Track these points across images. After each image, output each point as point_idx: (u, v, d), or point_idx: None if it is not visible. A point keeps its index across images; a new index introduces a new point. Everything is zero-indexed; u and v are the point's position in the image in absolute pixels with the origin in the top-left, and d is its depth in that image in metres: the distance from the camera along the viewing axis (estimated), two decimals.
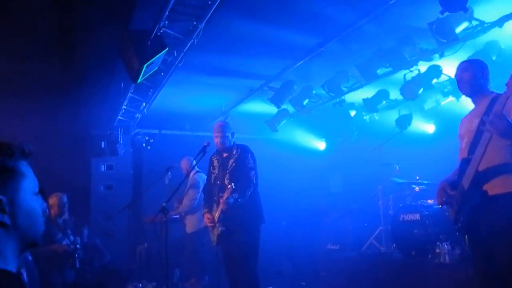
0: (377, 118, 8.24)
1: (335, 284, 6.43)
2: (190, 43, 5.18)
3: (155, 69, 5.02)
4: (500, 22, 4.97)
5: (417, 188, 6.52)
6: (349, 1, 5.14)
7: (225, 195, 4.46)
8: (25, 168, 1.37)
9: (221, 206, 4.56)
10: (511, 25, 4.98)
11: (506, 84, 2.77)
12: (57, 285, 5.22)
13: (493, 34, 5.38)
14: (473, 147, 2.98)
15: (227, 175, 4.74)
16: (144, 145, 9.16)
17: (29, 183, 1.36)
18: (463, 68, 3.28)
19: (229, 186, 4.48)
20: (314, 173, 9.48)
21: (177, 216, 7.32)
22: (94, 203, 8.49)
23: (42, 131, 8.02)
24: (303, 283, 6.98)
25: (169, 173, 6.96)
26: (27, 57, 6.53)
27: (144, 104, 7.55)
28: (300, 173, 9.35)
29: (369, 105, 7.39)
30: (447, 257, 5.12)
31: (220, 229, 4.67)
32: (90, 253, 6.71)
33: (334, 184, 9.63)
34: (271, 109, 7.96)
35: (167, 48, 4.61)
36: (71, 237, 5.95)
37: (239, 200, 4.50)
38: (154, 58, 4.50)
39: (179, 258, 7.26)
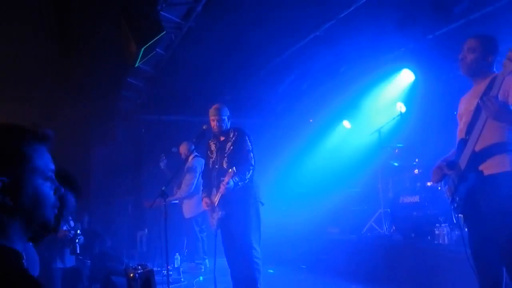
0: None
1: (336, 267, 6.46)
2: (187, 26, 5.17)
3: (152, 52, 5.00)
4: None
5: (416, 171, 6.52)
6: None
7: (226, 179, 4.45)
8: (36, 151, 1.36)
9: (221, 190, 4.55)
10: None
11: (503, 64, 2.74)
12: (57, 270, 5.24)
13: None
14: (470, 127, 2.97)
15: (225, 158, 4.72)
16: (143, 130, 9.15)
17: (37, 167, 1.34)
18: (469, 47, 3.13)
19: (230, 170, 4.45)
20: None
21: (177, 201, 7.35)
22: (94, 190, 8.51)
23: (41, 118, 8.01)
24: (304, 266, 7.02)
25: (164, 157, 6.96)
26: (26, 42, 6.50)
27: (142, 88, 7.53)
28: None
29: None
30: (446, 238, 5.15)
31: (220, 213, 4.67)
32: (90, 239, 6.75)
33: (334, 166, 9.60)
34: None
35: (165, 32, 4.58)
36: (72, 223, 5.97)
37: (240, 183, 4.50)
38: (151, 42, 4.47)
39: (179, 243, 7.31)
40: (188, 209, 7.19)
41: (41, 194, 1.34)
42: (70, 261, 5.40)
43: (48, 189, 1.37)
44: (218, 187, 4.64)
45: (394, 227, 6.40)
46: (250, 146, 4.71)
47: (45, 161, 1.38)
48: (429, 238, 5.49)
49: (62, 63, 7.06)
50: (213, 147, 4.94)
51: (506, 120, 2.82)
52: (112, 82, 7.30)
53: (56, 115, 8.09)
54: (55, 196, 1.39)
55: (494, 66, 3.16)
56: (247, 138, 4.74)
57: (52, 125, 7.59)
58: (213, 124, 4.79)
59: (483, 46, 3.11)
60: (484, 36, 3.16)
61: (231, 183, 4.44)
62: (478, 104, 2.98)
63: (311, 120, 9.63)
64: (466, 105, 3.20)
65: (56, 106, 8.04)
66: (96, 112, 8.66)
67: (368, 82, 7.75)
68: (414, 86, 7.39)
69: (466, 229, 3.18)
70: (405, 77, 7.43)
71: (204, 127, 4.83)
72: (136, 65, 5.01)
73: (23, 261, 1.27)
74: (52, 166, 1.41)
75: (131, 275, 2.75)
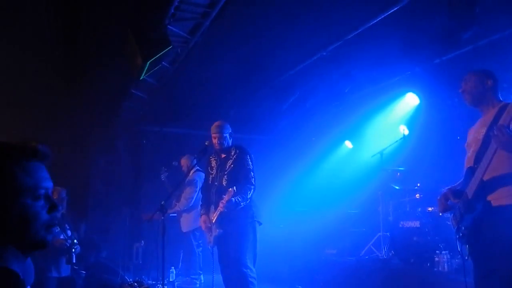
0: None
1: None
2: (194, 41, 5.17)
3: (158, 66, 4.99)
4: None
5: (417, 195, 6.47)
6: None
7: (226, 197, 4.41)
8: (23, 169, 1.30)
9: (219, 209, 4.51)
10: None
11: None
12: (53, 280, 5.18)
13: None
14: (479, 156, 2.95)
15: (225, 176, 4.69)
16: (144, 142, 9.13)
17: (25, 185, 1.28)
18: (465, 79, 3.26)
19: (230, 189, 4.41)
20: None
21: (175, 215, 7.29)
22: (92, 199, 8.46)
23: (42, 124, 7.99)
24: (299, 287, 6.93)
25: (166, 170, 6.92)
26: (32, 48, 6.51)
27: (146, 100, 7.52)
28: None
29: None
30: (446, 266, 5.08)
31: (217, 231, 4.63)
32: (86, 249, 6.68)
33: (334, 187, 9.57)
34: None
35: (171, 46, 4.58)
36: (69, 232, 5.91)
37: (242, 203, 4.46)
38: (157, 56, 4.46)
39: (175, 257, 7.23)
40: (186, 223, 7.12)
41: (30, 215, 1.28)
42: (65, 270, 5.34)
43: (38, 209, 1.30)
44: (216, 204, 4.60)
45: (393, 252, 6.33)
46: (251, 165, 4.67)
47: (36, 179, 1.32)
48: (428, 264, 5.42)
49: (66, 71, 7.06)
50: (213, 163, 4.91)
51: None
52: (116, 93, 7.30)
53: (57, 123, 8.07)
54: (48, 215, 1.33)
55: (499, 95, 3.18)
56: (248, 157, 4.71)
57: (53, 132, 7.65)
58: (215, 141, 4.77)
59: (478, 74, 3.23)
60: (476, 69, 3.31)
61: (233, 202, 4.39)
62: (487, 133, 2.96)
63: (313, 139, 9.61)
64: (474, 134, 3.19)
65: (58, 113, 8.03)
66: (98, 121, 8.64)
67: (372, 103, 7.74)
68: (418, 110, 7.39)
69: (469, 259, 3.11)
70: (410, 101, 7.43)
71: (206, 143, 4.80)
72: (142, 77, 5.00)
73: (21, 280, 1.23)
74: (47, 184, 1.35)
75: None
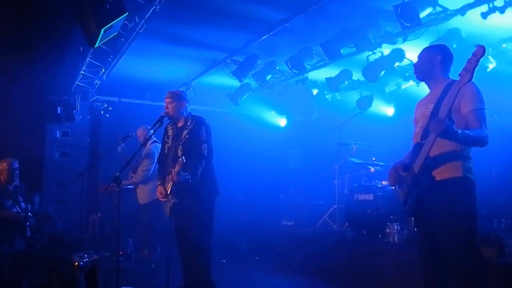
0: (338, 97, 8.30)
1: (289, 259, 6.53)
2: (152, 9, 5.03)
3: (114, 34, 4.84)
4: (463, 10, 5.04)
5: (372, 169, 6.65)
6: None
7: (176, 167, 4.38)
8: None
9: (171, 178, 4.49)
10: (473, 14, 5.05)
11: (460, 75, 2.81)
12: (7, 254, 5.07)
13: (456, 22, 5.47)
14: (426, 132, 3.03)
15: (180, 146, 4.64)
16: (102, 112, 8.94)
17: None
18: (419, 54, 3.35)
19: (180, 159, 4.39)
20: (274, 149, 9.53)
21: (132, 186, 7.22)
22: (47, 170, 8.26)
23: None
24: (257, 258, 7.06)
25: (122, 142, 6.80)
26: None
27: (103, 70, 7.32)
28: (259, 148, 9.38)
29: (332, 84, 7.43)
30: (396, 237, 5.28)
31: (172, 201, 4.61)
32: (41, 221, 6.56)
33: (293, 161, 9.71)
34: (234, 82, 7.87)
35: (127, 13, 4.44)
36: (22, 205, 5.78)
37: (190, 179, 4.43)
38: (112, 23, 4.32)
39: (133, 229, 7.20)
40: (143, 195, 7.06)
41: None
42: (19, 244, 5.23)
43: None
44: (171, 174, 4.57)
45: (347, 224, 6.51)
46: (205, 137, 4.64)
47: None
48: (380, 236, 5.61)
49: (21, 35, 6.78)
50: (170, 132, 4.85)
51: (450, 140, 2.92)
52: (72, 60, 7.05)
53: (12, 91, 7.79)
54: None
55: (449, 73, 3.27)
56: (203, 128, 4.67)
57: (7, 100, 7.38)
58: (168, 107, 4.71)
59: (429, 50, 3.33)
60: (431, 44, 3.33)
61: (182, 177, 4.37)
62: (433, 109, 3.04)
63: (273, 112, 9.68)
64: (422, 109, 3.27)
65: (13, 81, 7.74)
66: (54, 91, 8.39)
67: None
68: None
69: (415, 230, 3.24)
70: None
71: (162, 114, 4.73)
72: (96, 45, 4.83)
73: None
74: None
75: (76, 263, 2.68)
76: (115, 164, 5.83)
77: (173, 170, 4.40)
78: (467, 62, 2.77)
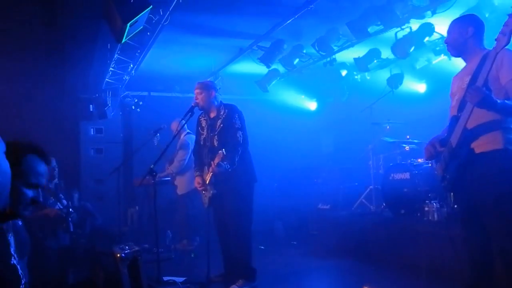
0: (368, 77, 8.17)
1: (326, 243, 6.50)
2: (175, 1, 5.04)
3: (139, 28, 4.88)
4: None
5: (407, 147, 6.53)
6: None
7: (216, 160, 4.41)
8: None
9: (211, 170, 4.52)
10: None
11: (496, 39, 2.70)
12: (52, 249, 5.21)
13: None
14: (463, 104, 2.93)
15: (216, 136, 4.69)
16: (133, 107, 9.06)
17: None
18: (448, 29, 3.21)
19: (220, 152, 4.41)
20: (305, 133, 9.48)
21: (169, 178, 7.32)
22: (84, 167, 8.46)
23: (29, 93, 7.89)
24: (295, 243, 7.06)
25: (158, 134, 6.89)
26: (10, 17, 6.34)
27: (131, 65, 7.41)
28: (291, 133, 9.36)
29: (360, 64, 7.30)
30: (435, 215, 5.18)
31: (212, 191, 4.66)
32: (82, 217, 6.72)
33: (326, 144, 9.65)
34: (262, 69, 7.83)
35: (151, 6, 4.46)
36: (64, 201, 5.92)
37: (229, 169, 4.46)
38: (137, 17, 4.35)
39: (170, 220, 7.30)
40: (182, 185, 7.17)
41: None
42: (64, 240, 5.36)
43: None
44: (209, 165, 4.61)
45: (384, 204, 6.43)
46: (240, 124, 4.65)
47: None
48: (418, 214, 5.52)
49: (48, 37, 6.90)
50: (203, 123, 4.88)
51: (489, 110, 2.81)
52: (101, 58, 7.16)
53: (43, 91, 7.98)
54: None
55: (484, 42, 3.13)
56: (236, 116, 4.69)
57: (40, 101, 7.55)
58: (198, 98, 4.73)
59: (458, 23, 3.17)
60: (459, 16, 3.27)
61: (222, 168, 4.40)
62: (470, 81, 2.94)
63: (302, 97, 9.60)
64: (458, 82, 3.16)
65: (43, 80, 7.92)
66: (85, 89, 8.55)
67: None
68: None
69: (455, 207, 3.15)
70: None
71: (193, 104, 4.77)
72: (123, 41, 4.88)
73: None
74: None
75: (118, 255, 2.73)
76: (149, 158, 5.90)
77: (212, 162, 4.44)
78: (503, 25, 2.65)
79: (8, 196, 1.51)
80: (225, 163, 4.43)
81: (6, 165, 1.49)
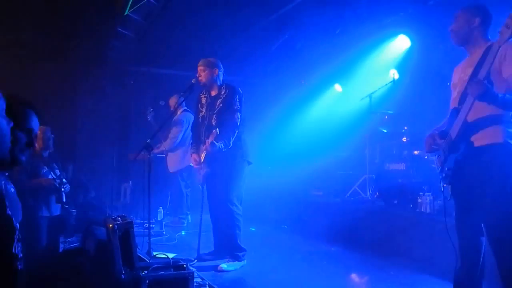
0: None
1: (317, 228, 6.52)
2: None
3: (143, 1, 4.83)
4: None
5: (404, 139, 6.52)
6: None
7: (210, 138, 4.44)
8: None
9: (205, 148, 4.54)
10: None
11: (499, 32, 2.67)
12: (43, 218, 5.21)
13: None
14: (464, 97, 2.92)
15: (214, 115, 4.67)
16: (132, 82, 8.99)
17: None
18: (455, 16, 3.15)
19: (214, 131, 4.42)
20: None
21: (163, 155, 7.31)
22: (80, 140, 8.43)
23: (29, 64, 7.80)
24: (285, 226, 7.09)
25: (152, 109, 6.86)
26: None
27: (133, 39, 7.33)
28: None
29: None
30: (428, 207, 5.20)
31: (205, 169, 4.67)
32: (75, 189, 6.71)
33: (322, 130, 9.61)
34: None
35: None
36: (57, 171, 5.90)
37: (223, 149, 4.49)
38: None
39: (163, 196, 7.31)
40: (173, 163, 7.15)
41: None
42: (56, 209, 5.36)
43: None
44: (205, 144, 4.61)
45: (377, 193, 6.45)
46: (239, 106, 4.64)
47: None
48: (411, 206, 5.54)
49: (48, 8, 6.82)
50: (203, 100, 4.86)
51: (489, 103, 2.79)
52: (101, 31, 7.09)
53: (44, 62, 7.90)
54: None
55: (488, 35, 3.10)
56: (237, 97, 4.67)
57: (40, 72, 7.49)
58: (201, 75, 4.70)
59: (466, 12, 3.11)
60: (468, 5, 3.17)
61: (215, 147, 4.42)
62: (472, 73, 2.92)
63: (302, 81, 9.54)
64: (460, 74, 3.14)
65: (44, 53, 7.85)
66: (83, 61, 8.47)
67: (363, 46, 7.62)
68: (409, 53, 7.30)
69: (451, 200, 3.15)
70: (401, 43, 7.34)
71: (193, 81, 4.75)
72: (126, 13, 4.85)
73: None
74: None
75: (110, 225, 2.73)
76: (146, 133, 5.90)
77: (207, 140, 4.44)
78: (507, 18, 2.62)
79: (5, 149, 1.62)
80: (219, 142, 4.44)
81: (3, 122, 1.57)
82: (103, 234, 3.04)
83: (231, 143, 4.54)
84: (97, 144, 8.19)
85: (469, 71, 3.00)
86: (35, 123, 1.97)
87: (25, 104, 1.95)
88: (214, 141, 4.42)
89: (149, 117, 6.97)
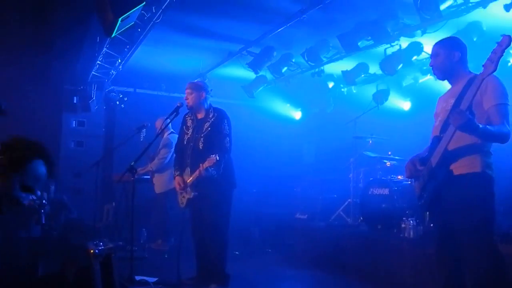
0: (354, 91, 8.24)
1: (301, 253, 6.51)
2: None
3: (131, 23, 4.85)
4: (485, 3, 4.95)
5: (388, 163, 6.58)
6: None
7: (206, 164, 4.35)
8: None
9: (197, 174, 4.46)
10: (495, 7, 4.95)
11: (483, 65, 2.74)
12: (23, 240, 5.12)
13: (477, 15, 5.37)
14: (446, 126, 2.97)
15: (202, 139, 4.63)
16: (118, 103, 8.97)
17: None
18: (433, 52, 3.23)
19: (213, 157, 4.33)
20: (288, 142, 9.50)
21: (148, 177, 7.26)
22: (63, 159, 8.34)
23: (13, 80, 7.75)
24: (269, 250, 7.05)
25: (144, 130, 6.84)
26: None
27: (119, 60, 7.34)
28: (274, 141, 9.36)
29: (348, 77, 7.37)
30: (411, 232, 5.22)
31: (192, 193, 4.60)
32: (56, 209, 6.62)
33: (307, 154, 9.68)
34: (250, 74, 7.84)
35: (144, 3, 4.44)
36: (38, 192, 5.82)
37: (215, 175, 4.45)
38: (129, 12, 4.32)
39: (146, 219, 7.24)
40: (160, 184, 7.11)
41: None
42: (35, 231, 5.28)
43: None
44: (192, 166, 4.56)
45: (361, 218, 6.47)
46: (228, 131, 4.64)
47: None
48: (395, 231, 5.56)
49: (36, 25, 6.82)
50: (189, 123, 4.83)
51: (470, 134, 2.85)
52: (89, 50, 7.09)
53: (28, 79, 7.87)
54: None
55: (467, 65, 3.17)
56: (225, 122, 4.67)
57: (24, 89, 7.42)
58: (188, 98, 4.70)
59: (444, 47, 3.18)
60: (443, 40, 3.27)
61: (209, 171, 4.37)
62: (454, 104, 2.98)
63: (288, 105, 9.63)
64: (443, 104, 3.21)
65: (30, 70, 7.81)
66: (70, 80, 8.45)
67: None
68: None
69: (431, 225, 3.19)
70: None
71: (178, 104, 4.74)
72: (113, 35, 4.85)
73: None
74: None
75: (91, 251, 2.69)
76: (130, 154, 5.85)
77: (201, 165, 4.38)
78: (492, 52, 2.69)
79: None
80: (212, 168, 4.40)
81: None
82: (84, 259, 2.99)
83: (222, 168, 4.50)
84: (80, 164, 8.10)
85: (452, 101, 3.06)
86: (42, 171, 1.99)
87: (34, 154, 1.95)
88: (209, 167, 4.38)
89: (141, 138, 6.94)
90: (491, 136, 2.90)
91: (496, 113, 2.89)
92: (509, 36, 2.66)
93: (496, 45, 2.69)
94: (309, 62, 7.08)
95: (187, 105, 4.72)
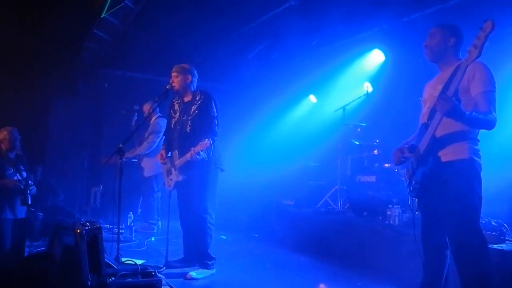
0: None
1: (288, 238, 6.55)
2: None
3: (121, 4, 4.79)
4: None
5: (376, 151, 6.62)
6: None
7: (198, 148, 4.33)
8: None
9: (187, 156, 4.44)
10: None
11: (468, 51, 2.76)
12: (7, 220, 5.10)
13: None
14: (433, 113, 3.00)
15: (189, 121, 4.61)
16: (106, 85, 8.90)
17: None
18: (430, 33, 3.23)
19: (206, 141, 4.34)
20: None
21: (136, 160, 7.24)
22: (50, 142, 8.28)
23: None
24: (256, 235, 7.10)
25: (136, 113, 6.81)
26: None
27: (108, 42, 7.27)
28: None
29: None
30: (396, 220, 5.27)
31: (180, 176, 4.60)
32: (43, 191, 6.58)
33: (295, 140, 9.68)
34: None
35: None
36: (24, 173, 5.78)
37: (206, 159, 4.45)
38: None
39: (133, 202, 7.23)
40: (148, 167, 7.11)
41: None
42: (20, 212, 5.25)
43: None
44: (180, 149, 4.55)
45: (348, 204, 6.52)
46: (216, 113, 4.62)
47: None
48: (380, 218, 5.61)
49: (23, 8, 6.70)
50: (176, 106, 4.82)
51: (456, 120, 2.87)
52: (76, 32, 6.99)
53: (15, 62, 7.75)
54: None
55: (460, 54, 3.19)
56: (213, 103, 4.64)
57: (10, 71, 7.34)
58: (174, 81, 4.66)
59: (442, 31, 3.19)
60: (444, 23, 3.27)
61: (199, 154, 4.36)
62: (442, 90, 3.00)
63: (278, 90, 9.60)
64: (431, 90, 3.23)
65: (15, 52, 7.69)
66: (57, 62, 8.33)
67: (339, 58, 7.73)
68: (383, 67, 7.44)
69: (418, 213, 3.23)
70: (375, 57, 7.46)
71: (167, 87, 4.70)
72: (103, 15, 4.80)
73: None
74: None
75: (78, 230, 2.68)
76: (118, 137, 5.83)
77: (193, 149, 4.36)
78: (475, 38, 2.71)
79: None
80: (204, 152, 4.39)
81: None
82: (71, 239, 2.99)
83: (211, 152, 4.49)
84: (68, 146, 8.05)
85: (439, 87, 3.08)
86: None
87: None
88: (200, 151, 4.36)
89: (133, 122, 6.90)
90: (478, 123, 2.92)
91: (483, 100, 2.92)
92: (491, 21, 2.67)
93: (480, 30, 2.70)
94: None
95: (173, 88, 4.69)
